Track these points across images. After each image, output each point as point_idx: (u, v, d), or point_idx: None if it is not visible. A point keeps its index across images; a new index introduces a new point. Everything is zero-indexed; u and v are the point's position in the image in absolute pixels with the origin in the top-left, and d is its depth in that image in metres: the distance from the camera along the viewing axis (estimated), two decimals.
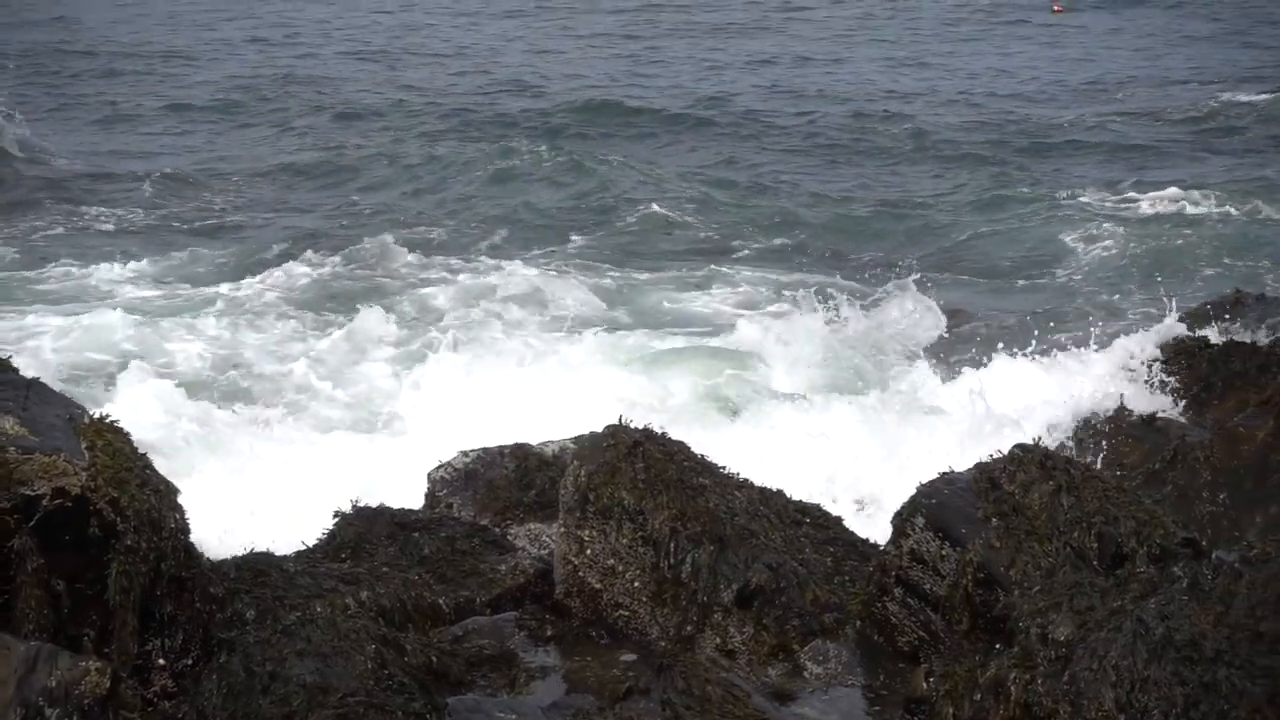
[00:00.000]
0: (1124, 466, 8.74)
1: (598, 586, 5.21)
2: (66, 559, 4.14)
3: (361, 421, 12.30)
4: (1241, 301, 10.79)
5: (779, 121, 27.90)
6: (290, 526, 6.57)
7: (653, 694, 4.36)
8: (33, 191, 22.10)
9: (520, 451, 7.06)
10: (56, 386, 5.07)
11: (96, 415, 4.56)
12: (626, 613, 5.17)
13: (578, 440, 6.60)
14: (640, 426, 5.50)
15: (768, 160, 24.76)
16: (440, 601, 5.28)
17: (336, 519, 5.88)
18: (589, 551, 5.22)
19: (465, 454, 7.14)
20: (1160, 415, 9.28)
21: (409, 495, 7.08)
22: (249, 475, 9.95)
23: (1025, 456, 5.09)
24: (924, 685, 4.63)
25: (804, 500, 6.03)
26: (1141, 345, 10.04)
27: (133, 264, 17.86)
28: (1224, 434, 8.71)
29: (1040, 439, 5.45)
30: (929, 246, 19.17)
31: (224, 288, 16.82)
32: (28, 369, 4.97)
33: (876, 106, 29.37)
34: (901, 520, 5.07)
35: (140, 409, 10.91)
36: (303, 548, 5.66)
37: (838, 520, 6.04)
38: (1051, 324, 14.17)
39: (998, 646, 4.38)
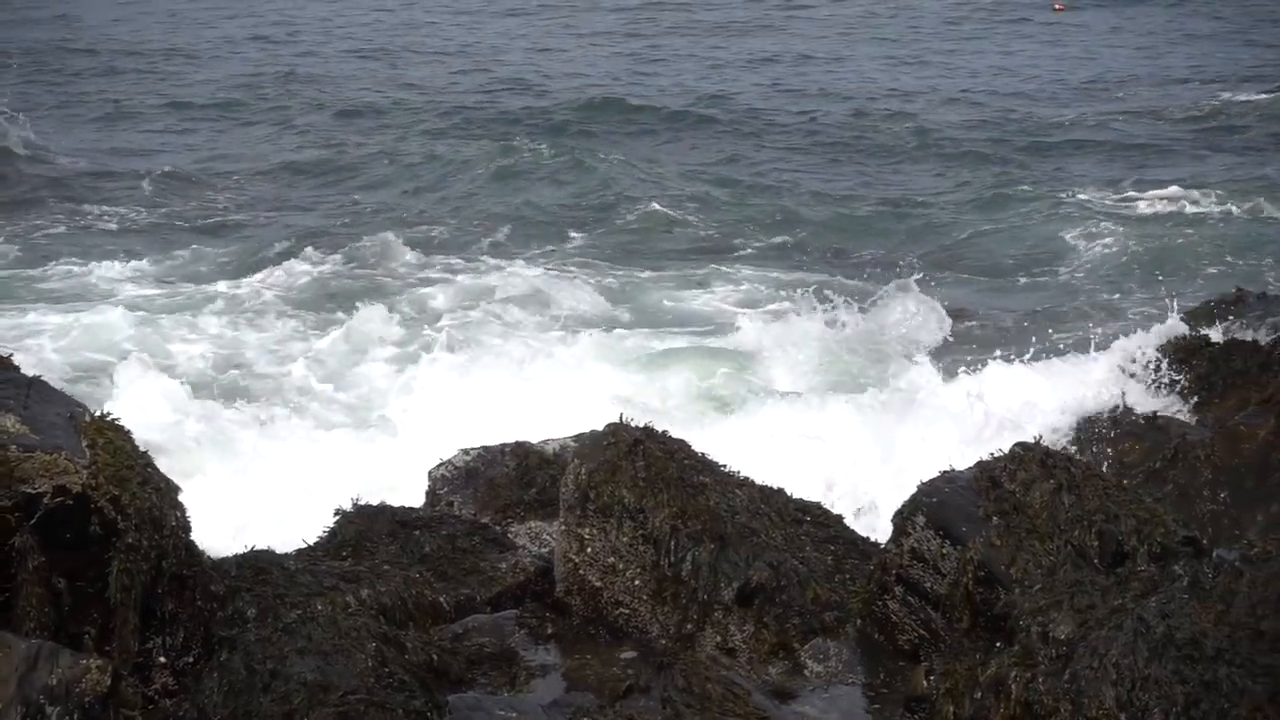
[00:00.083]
0: (1125, 465, 8.74)
1: (598, 584, 5.21)
2: (67, 557, 4.14)
3: (362, 420, 12.32)
4: (1243, 300, 10.80)
5: (780, 120, 27.88)
6: (291, 524, 6.57)
7: (653, 692, 4.36)
8: (34, 190, 22.12)
9: (521, 450, 7.06)
10: (58, 385, 5.08)
11: (97, 413, 4.56)
12: (627, 611, 5.17)
13: (578, 438, 6.59)
14: (641, 425, 5.50)
15: (769, 158, 24.74)
16: (441, 599, 5.28)
17: (337, 517, 5.87)
18: (589, 549, 5.22)
19: (466, 452, 7.14)
20: (1161, 414, 9.29)
21: (409, 493, 7.09)
22: (252, 474, 9.97)
23: (1026, 455, 5.09)
24: (924, 683, 4.63)
25: (804, 499, 6.03)
26: (1142, 344, 10.02)
27: (134, 262, 17.89)
28: (1225, 432, 8.70)
29: (1041, 438, 5.45)
30: (930, 245, 19.16)
31: (225, 286, 16.84)
32: (29, 367, 4.97)
33: (878, 105, 29.35)
34: (902, 519, 5.07)
35: (141, 408, 10.92)
36: (303, 545, 5.66)
37: (838, 519, 6.04)
38: (1052, 323, 14.19)
39: (998, 645, 4.38)
